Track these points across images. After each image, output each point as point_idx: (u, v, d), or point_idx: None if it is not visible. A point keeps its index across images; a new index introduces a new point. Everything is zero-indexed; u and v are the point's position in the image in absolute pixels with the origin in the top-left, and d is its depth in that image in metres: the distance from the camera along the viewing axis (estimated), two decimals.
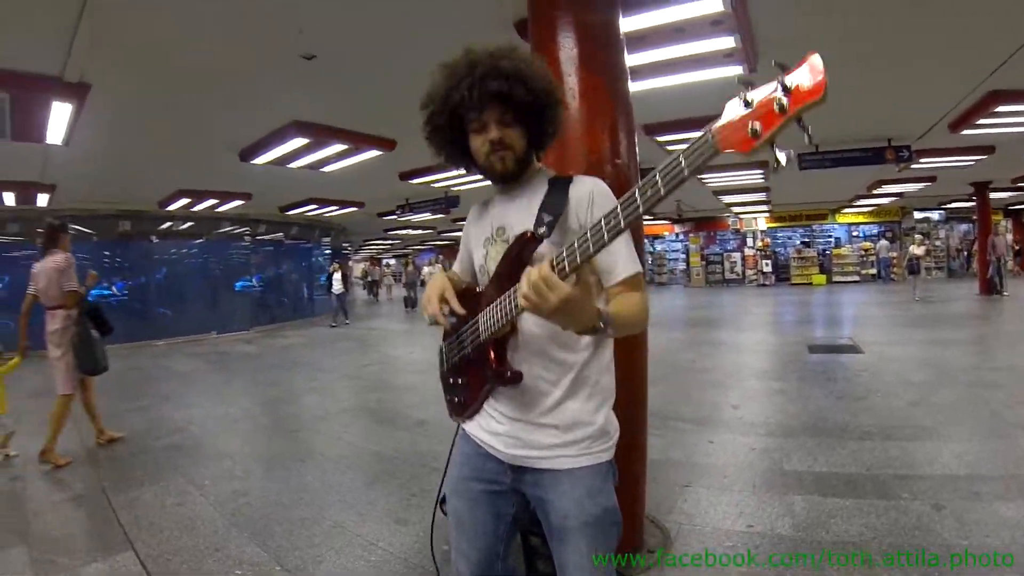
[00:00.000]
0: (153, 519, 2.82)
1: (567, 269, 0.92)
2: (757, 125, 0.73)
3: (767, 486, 2.89)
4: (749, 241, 20.10)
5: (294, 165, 6.70)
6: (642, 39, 3.36)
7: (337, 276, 12.77)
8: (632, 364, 2.13)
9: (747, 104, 0.75)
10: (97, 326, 3.91)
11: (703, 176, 9.52)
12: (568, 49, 2.10)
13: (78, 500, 3.14)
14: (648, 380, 2.33)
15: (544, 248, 1.11)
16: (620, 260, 1.13)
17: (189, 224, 11.90)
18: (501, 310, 1.10)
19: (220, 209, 10.71)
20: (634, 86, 4.22)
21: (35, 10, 2.95)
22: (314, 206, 11.52)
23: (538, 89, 1.13)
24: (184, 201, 9.70)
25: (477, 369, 1.20)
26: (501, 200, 1.26)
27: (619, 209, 0.85)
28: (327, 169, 7.03)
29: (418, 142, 1.28)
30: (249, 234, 13.35)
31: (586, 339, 1.15)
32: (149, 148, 6.15)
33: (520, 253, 1.13)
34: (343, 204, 11.35)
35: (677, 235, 21.47)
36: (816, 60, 0.69)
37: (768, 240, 19.68)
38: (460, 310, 1.15)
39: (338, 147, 6.04)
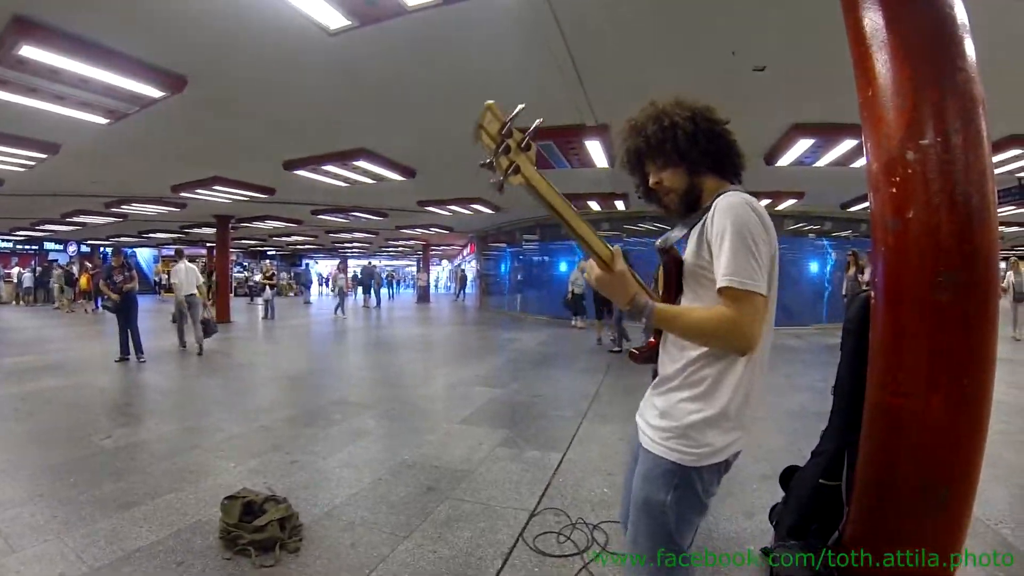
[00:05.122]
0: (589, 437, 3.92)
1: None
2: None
3: None
4: None
5: (819, 164, 6.84)
6: None
7: None
8: (949, 391, 1.59)
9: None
10: None
11: None
12: (871, 18, 1.66)
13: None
14: None
15: (688, 257, 1.24)
16: (720, 270, 1.10)
17: None
18: None
19: (779, 208, 11.05)
20: None
21: (552, 84, 4.37)
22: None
23: (648, 132, 1.25)
24: None
25: None
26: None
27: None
28: (855, 165, 6.77)
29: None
30: (815, 231, 13.07)
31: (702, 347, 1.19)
32: None
33: (665, 264, 1.30)
34: None
35: None
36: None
37: None
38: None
39: (850, 142, 5.83)
